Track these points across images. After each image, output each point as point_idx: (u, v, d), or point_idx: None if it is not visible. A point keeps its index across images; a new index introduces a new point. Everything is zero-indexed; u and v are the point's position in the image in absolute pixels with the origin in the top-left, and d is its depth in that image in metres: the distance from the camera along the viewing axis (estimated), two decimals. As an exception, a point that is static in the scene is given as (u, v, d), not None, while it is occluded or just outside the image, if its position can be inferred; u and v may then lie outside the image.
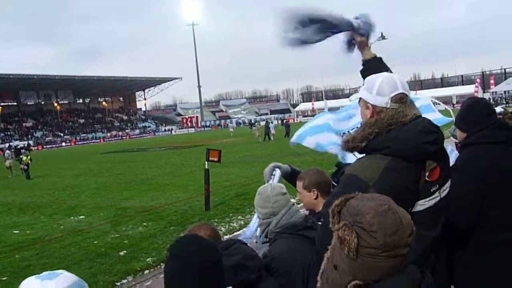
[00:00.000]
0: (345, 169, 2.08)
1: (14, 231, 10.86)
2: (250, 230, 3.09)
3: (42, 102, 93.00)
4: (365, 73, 2.52)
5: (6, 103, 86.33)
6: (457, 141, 4.06)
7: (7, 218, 12.77)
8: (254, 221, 3.06)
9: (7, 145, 64.77)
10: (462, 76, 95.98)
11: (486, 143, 2.66)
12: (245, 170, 18.57)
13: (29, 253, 8.74)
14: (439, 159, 1.98)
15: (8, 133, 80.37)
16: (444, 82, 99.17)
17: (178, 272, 1.57)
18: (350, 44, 2.68)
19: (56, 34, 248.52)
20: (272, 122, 48.43)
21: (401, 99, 2.02)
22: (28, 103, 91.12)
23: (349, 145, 2.04)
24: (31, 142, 74.04)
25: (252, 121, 70.19)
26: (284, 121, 55.81)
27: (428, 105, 4.07)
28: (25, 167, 23.84)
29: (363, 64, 2.67)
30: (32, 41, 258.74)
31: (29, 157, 24.94)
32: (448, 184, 2.05)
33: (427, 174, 1.94)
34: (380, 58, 2.66)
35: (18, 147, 31.08)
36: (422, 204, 1.93)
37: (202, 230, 2.15)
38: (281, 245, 2.37)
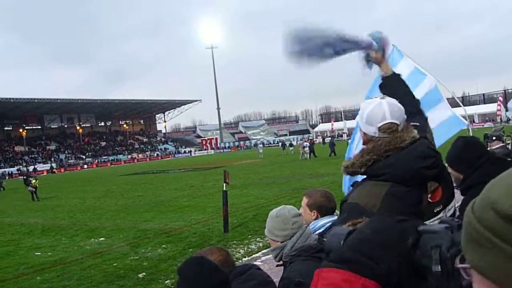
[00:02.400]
0: (347, 197, 2.06)
1: (36, 253, 11.00)
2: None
3: (65, 126, 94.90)
4: (382, 90, 2.52)
5: (31, 127, 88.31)
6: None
7: (30, 240, 12.95)
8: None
9: (31, 168, 66.37)
10: (483, 94, 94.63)
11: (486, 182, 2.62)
12: (264, 191, 18.52)
13: (50, 275, 8.84)
14: (440, 180, 1.97)
15: (33, 156, 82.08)
16: (465, 101, 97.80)
17: None
18: (368, 61, 2.69)
19: (82, 57, 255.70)
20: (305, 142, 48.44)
21: (390, 128, 2.00)
22: (52, 127, 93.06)
23: (349, 171, 2.06)
24: (54, 165, 75.47)
25: (290, 141, 67.84)
26: (329, 139, 52.57)
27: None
28: (33, 189, 25.39)
29: (382, 79, 2.67)
30: (60, 63, 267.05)
31: (37, 180, 26.72)
32: (453, 203, 2.04)
33: (429, 196, 1.94)
34: (399, 75, 2.64)
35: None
36: None
37: (213, 255, 2.16)
38: (298, 268, 2.36)
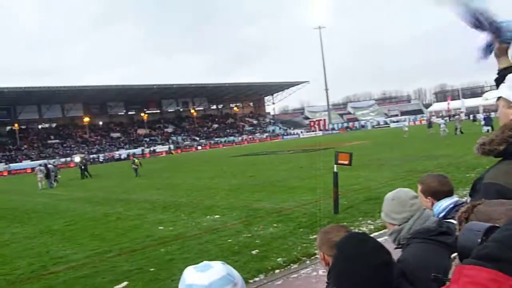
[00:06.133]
0: (483, 175, 1.95)
1: (159, 227, 11.95)
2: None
3: (181, 109, 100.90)
4: (499, 82, 2.27)
5: (151, 111, 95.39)
6: None
7: (153, 215, 14.09)
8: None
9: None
10: None
11: None
12: (375, 173, 18.07)
13: (172, 248, 9.56)
14: None
15: (152, 137, 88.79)
16: None
17: (349, 272, 1.51)
18: (488, 48, 2.39)
19: (204, 44, 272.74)
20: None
21: None
22: (169, 110, 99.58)
23: (485, 148, 1.92)
24: (171, 146, 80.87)
25: (431, 120, 56.75)
26: (484, 116, 45.68)
27: None
28: (136, 167, 31.56)
29: (498, 73, 2.41)
30: (180, 51, 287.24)
31: (139, 160, 33.59)
32: None
33: None
34: None
35: (48, 165, 34.64)
36: None
37: (340, 232, 2.17)
38: (414, 250, 2.29)
